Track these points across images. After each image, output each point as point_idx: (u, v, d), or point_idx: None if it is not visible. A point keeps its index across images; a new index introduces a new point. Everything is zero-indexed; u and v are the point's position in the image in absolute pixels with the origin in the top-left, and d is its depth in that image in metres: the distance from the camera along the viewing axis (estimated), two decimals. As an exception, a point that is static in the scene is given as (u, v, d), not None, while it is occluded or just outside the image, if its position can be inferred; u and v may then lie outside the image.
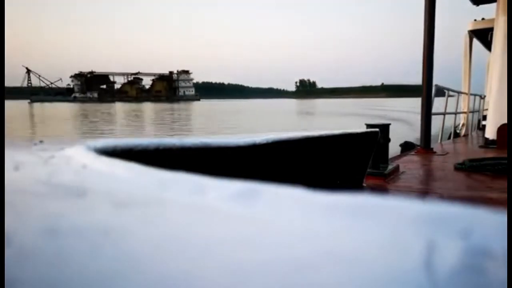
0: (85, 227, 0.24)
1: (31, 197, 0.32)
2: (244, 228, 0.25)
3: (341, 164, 1.71)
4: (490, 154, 4.12)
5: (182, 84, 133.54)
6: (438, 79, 4.86)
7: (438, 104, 5.34)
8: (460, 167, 3.17)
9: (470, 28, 8.18)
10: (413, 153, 4.48)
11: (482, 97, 8.75)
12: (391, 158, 3.53)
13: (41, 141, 0.66)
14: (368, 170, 2.40)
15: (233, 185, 0.32)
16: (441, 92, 5.56)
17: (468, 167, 3.11)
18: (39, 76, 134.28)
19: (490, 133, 5.13)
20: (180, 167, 0.44)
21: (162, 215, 0.27)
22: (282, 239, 0.23)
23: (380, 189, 2.55)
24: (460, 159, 3.43)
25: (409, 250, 0.20)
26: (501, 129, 4.83)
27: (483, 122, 7.56)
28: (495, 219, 0.23)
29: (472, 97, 8.28)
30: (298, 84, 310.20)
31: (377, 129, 2.05)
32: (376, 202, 0.26)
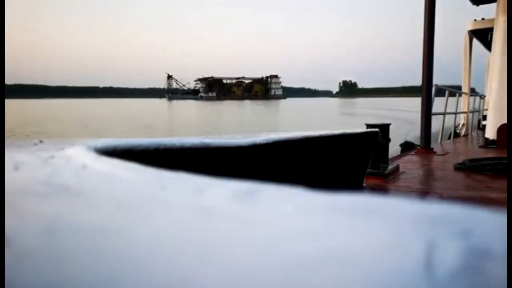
0: (85, 227, 0.24)
1: (31, 197, 0.32)
2: (244, 228, 0.25)
3: (341, 164, 1.71)
4: (490, 154, 4.12)
5: (273, 86, 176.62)
6: (438, 79, 4.87)
7: (437, 104, 5.34)
8: (460, 167, 3.17)
9: (470, 28, 8.18)
10: (413, 153, 4.48)
11: (482, 97, 8.75)
12: (391, 158, 3.53)
13: (41, 141, 0.66)
14: (368, 170, 2.40)
15: (233, 185, 0.32)
16: (441, 92, 5.56)
17: (468, 167, 3.11)
18: (176, 80, 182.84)
19: (490, 133, 5.13)
20: (180, 167, 0.44)
21: (162, 215, 0.27)
22: (282, 239, 0.22)
23: (380, 189, 2.55)
24: (460, 159, 3.43)
25: (409, 250, 0.20)
26: (501, 129, 4.83)
27: (483, 122, 7.56)
28: (495, 219, 0.23)
29: (472, 97, 8.28)
30: (341, 84, 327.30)
31: (377, 129, 2.05)
32: (376, 202, 0.26)
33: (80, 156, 0.50)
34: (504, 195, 2.28)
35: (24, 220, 0.26)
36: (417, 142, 5.44)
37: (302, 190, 0.30)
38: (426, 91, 4.65)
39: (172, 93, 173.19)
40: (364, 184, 2.14)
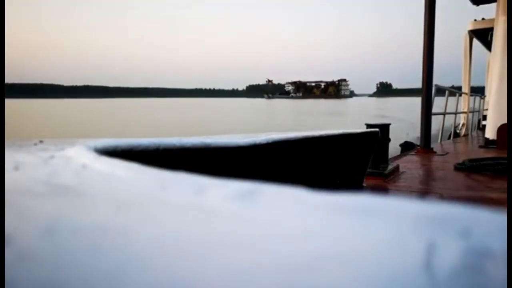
0: (85, 227, 0.24)
1: (31, 197, 0.32)
2: (244, 228, 0.25)
3: (341, 164, 1.71)
4: (490, 154, 4.12)
5: (343, 87, 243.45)
6: (437, 79, 4.87)
7: (437, 104, 5.34)
8: (460, 167, 3.17)
9: (470, 28, 8.18)
10: (413, 153, 4.48)
11: (482, 97, 8.75)
12: (391, 158, 3.53)
13: (41, 141, 0.66)
14: (368, 170, 2.40)
15: (233, 185, 0.32)
16: (441, 91, 5.57)
17: (468, 167, 3.11)
18: (273, 84, 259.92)
19: (490, 133, 5.13)
20: (180, 167, 0.44)
21: (162, 215, 0.27)
22: (282, 239, 0.23)
23: (380, 189, 2.55)
24: (460, 159, 3.43)
25: (409, 250, 0.20)
26: (501, 129, 4.83)
27: (483, 122, 7.57)
28: (495, 219, 0.23)
29: (472, 97, 8.29)
30: (378, 85, 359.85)
31: (377, 129, 2.05)
32: (376, 202, 0.26)
33: (80, 156, 0.50)
34: (504, 195, 2.28)
35: (24, 220, 0.26)
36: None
37: (302, 190, 0.30)
38: (426, 91, 4.65)
39: (270, 93, 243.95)
40: (364, 184, 2.14)
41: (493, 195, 2.32)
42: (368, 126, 2.64)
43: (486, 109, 6.61)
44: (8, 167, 0.42)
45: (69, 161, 0.48)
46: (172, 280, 0.18)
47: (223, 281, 0.18)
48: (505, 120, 4.72)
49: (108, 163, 0.46)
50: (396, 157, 4.10)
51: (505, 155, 3.49)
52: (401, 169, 3.14)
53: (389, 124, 2.94)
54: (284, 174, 1.30)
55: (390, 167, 2.91)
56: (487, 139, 5.22)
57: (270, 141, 1.15)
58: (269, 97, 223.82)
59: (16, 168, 0.42)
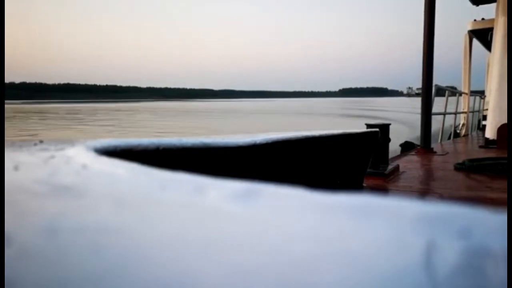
0: (85, 227, 0.24)
1: (31, 197, 0.32)
2: (244, 228, 0.25)
3: (341, 164, 1.71)
4: (490, 154, 4.12)
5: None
6: (436, 80, 4.87)
7: (437, 104, 5.35)
8: (460, 167, 3.17)
9: (470, 28, 8.18)
10: (413, 153, 4.49)
11: (482, 97, 8.76)
12: (391, 158, 3.53)
13: (41, 141, 0.66)
14: (368, 170, 2.40)
15: (233, 185, 0.32)
16: (441, 92, 5.58)
17: (468, 167, 3.11)
18: (412, 89, 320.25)
19: (490, 133, 5.13)
20: (180, 167, 0.44)
21: (162, 215, 0.27)
22: (282, 239, 0.23)
23: (380, 189, 2.55)
24: (460, 159, 3.43)
25: (409, 250, 0.20)
26: (501, 129, 4.84)
27: (483, 122, 7.57)
28: (495, 219, 0.23)
29: (472, 97, 8.30)
30: (408, 87, 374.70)
31: (377, 129, 2.05)
32: (376, 202, 0.26)
33: (80, 156, 0.50)
34: (504, 195, 2.28)
35: (24, 220, 0.26)
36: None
37: (302, 190, 0.30)
38: (426, 91, 4.65)
39: (410, 95, 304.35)
40: (364, 184, 2.14)
41: (493, 195, 2.32)
42: (368, 126, 2.65)
43: (486, 109, 6.62)
44: (8, 167, 0.42)
45: (69, 161, 0.48)
46: (172, 280, 0.18)
47: (223, 281, 0.18)
48: (505, 120, 4.72)
49: (108, 163, 0.46)
50: (396, 157, 4.10)
51: (505, 155, 3.49)
52: (401, 169, 3.14)
53: (389, 124, 2.94)
54: (284, 174, 1.30)
55: (390, 167, 2.91)
56: (487, 139, 5.22)
57: (269, 141, 1.16)
58: (409, 96, 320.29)
59: (16, 168, 0.42)
